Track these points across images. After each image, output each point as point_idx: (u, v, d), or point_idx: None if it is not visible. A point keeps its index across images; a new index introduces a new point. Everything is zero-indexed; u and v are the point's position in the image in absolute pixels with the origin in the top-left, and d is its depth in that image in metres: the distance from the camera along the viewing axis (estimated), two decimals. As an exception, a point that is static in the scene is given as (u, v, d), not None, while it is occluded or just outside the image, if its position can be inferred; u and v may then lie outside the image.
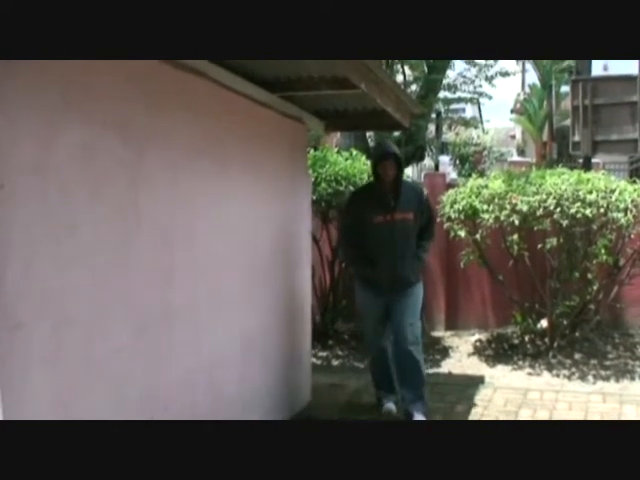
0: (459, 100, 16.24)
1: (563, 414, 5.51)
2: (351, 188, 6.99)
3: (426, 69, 12.90)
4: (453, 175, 18.58)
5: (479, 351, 7.69)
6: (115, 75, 3.01)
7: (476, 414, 5.52)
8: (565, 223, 6.39)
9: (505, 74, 14.85)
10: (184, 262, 3.62)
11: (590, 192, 6.34)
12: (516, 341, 7.64)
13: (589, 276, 7.16)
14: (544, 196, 6.38)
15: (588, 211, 6.24)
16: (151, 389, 3.29)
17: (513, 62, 21.95)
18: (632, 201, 6.37)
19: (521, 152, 25.65)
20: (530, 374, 6.75)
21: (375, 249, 5.11)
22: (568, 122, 13.36)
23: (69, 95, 2.72)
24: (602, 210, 6.31)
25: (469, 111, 24.88)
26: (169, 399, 3.44)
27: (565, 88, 18.63)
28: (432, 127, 16.09)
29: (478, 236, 6.89)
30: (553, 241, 6.83)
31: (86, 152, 2.82)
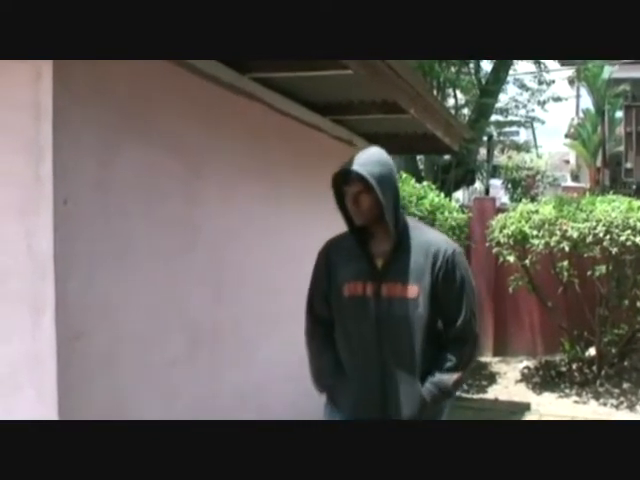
0: (511, 124, 16.19)
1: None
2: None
3: (478, 92, 12.91)
4: (505, 199, 18.44)
5: (526, 378, 7.64)
6: (173, 98, 3.15)
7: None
8: (615, 250, 6.34)
9: (557, 99, 14.78)
10: (234, 280, 3.72)
11: (640, 220, 6.29)
12: (564, 369, 7.58)
13: (638, 304, 7.07)
14: (594, 223, 6.35)
15: (638, 239, 6.19)
16: (201, 402, 3.38)
17: (567, 87, 21.76)
18: (683, 229, 6.29)
19: (575, 177, 25.28)
20: (577, 402, 6.68)
21: (343, 349, 2.71)
22: (622, 148, 13.20)
23: (129, 117, 2.86)
24: (653, 238, 6.25)
25: (523, 135, 24.69)
26: (218, 413, 3.52)
27: (620, 114, 18.37)
28: (484, 150, 16.04)
29: (527, 261, 6.87)
30: (602, 268, 6.78)
31: (145, 171, 2.95)
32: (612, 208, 6.47)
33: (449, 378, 2.60)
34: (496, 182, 20.51)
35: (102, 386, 2.70)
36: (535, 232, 6.67)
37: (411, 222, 2.73)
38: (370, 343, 2.60)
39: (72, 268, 2.53)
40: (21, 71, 2.42)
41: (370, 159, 2.60)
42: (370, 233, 2.67)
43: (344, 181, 2.61)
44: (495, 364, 8.25)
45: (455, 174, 11.89)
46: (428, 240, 2.64)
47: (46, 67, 2.40)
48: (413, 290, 2.57)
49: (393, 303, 2.57)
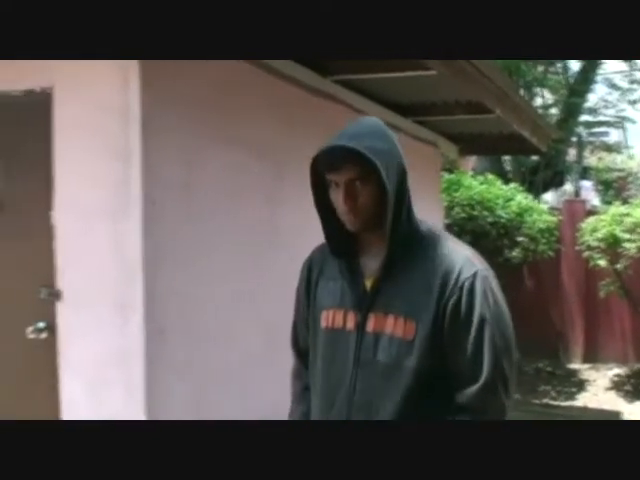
0: (601, 124, 15.71)
1: None
2: (485, 213, 6.86)
3: (566, 92, 12.58)
4: (596, 201, 17.91)
5: (617, 386, 7.38)
6: (255, 100, 3.19)
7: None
8: None
9: (649, 98, 14.25)
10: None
11: None
12: (657, 377, 7.29)
13: None
14: (689, 225, 6.10)
15: None
16: (280, 398, 3.40)
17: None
18: None
19: (669, 179, 24.34)
20: (671, 412, 6.41)
21: (313, 398, 1.95)
22: None
23: (212, 119, 2.91)
24: None
25: (614, 135, 23.94)
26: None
27: None
28: (573, 151, 15.62)
29: (619, 266, 6.64)
30: (697, 273, 6.50)
31: (228, 172, 3.00)
32: None
33: None
34: (586, 184, 19.92)
35: (184, 382, 2.76)
36: (627, 236, 6.45)
37: (425, 228, 1.83)
38: (340, 399, 1.78)
39: (159, 267, 2.59)
40: (109, 74, 2.50)
41: (366, 130, 1.78)
42: (360, 242, 1.84)
43: (330, 167, 1.75)
44: (585, 371, 8.00)
45: (544, 175, 11.60)
46: (443, 255, 1.73)
47: (133, 70, 2.47)
48: (408, 327, 1.69)
49: (380, 343, 1.72)
